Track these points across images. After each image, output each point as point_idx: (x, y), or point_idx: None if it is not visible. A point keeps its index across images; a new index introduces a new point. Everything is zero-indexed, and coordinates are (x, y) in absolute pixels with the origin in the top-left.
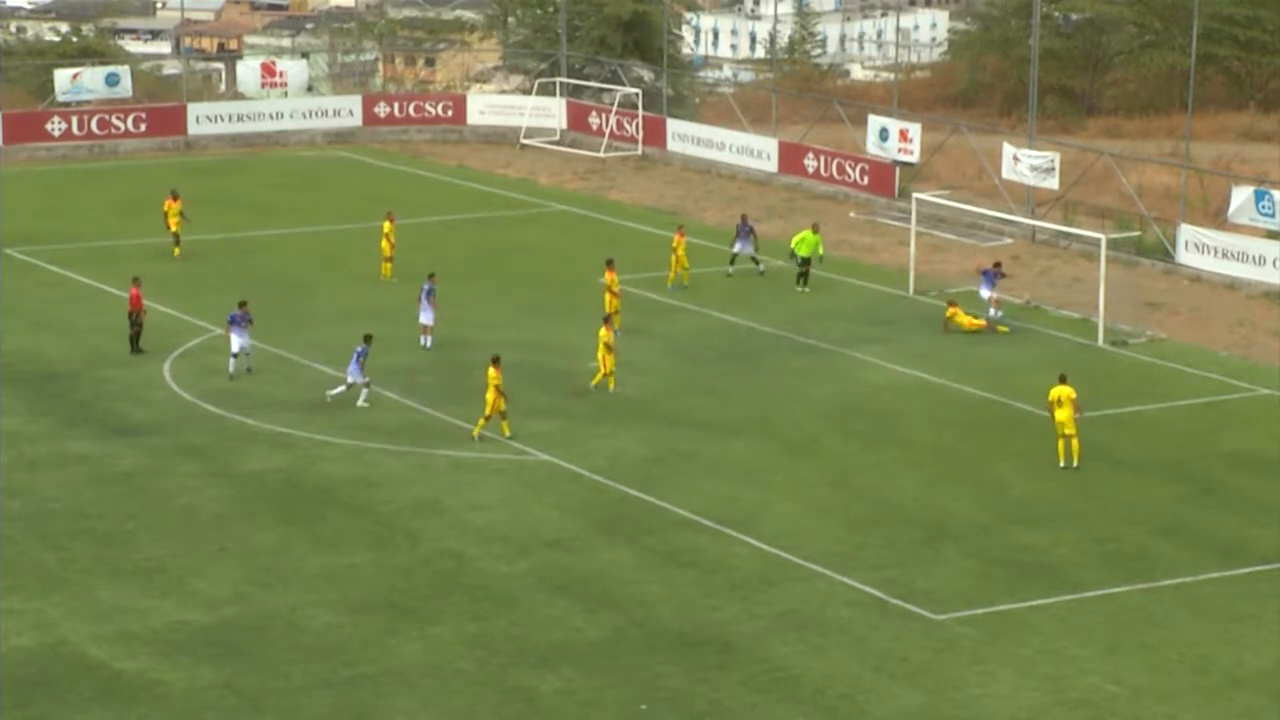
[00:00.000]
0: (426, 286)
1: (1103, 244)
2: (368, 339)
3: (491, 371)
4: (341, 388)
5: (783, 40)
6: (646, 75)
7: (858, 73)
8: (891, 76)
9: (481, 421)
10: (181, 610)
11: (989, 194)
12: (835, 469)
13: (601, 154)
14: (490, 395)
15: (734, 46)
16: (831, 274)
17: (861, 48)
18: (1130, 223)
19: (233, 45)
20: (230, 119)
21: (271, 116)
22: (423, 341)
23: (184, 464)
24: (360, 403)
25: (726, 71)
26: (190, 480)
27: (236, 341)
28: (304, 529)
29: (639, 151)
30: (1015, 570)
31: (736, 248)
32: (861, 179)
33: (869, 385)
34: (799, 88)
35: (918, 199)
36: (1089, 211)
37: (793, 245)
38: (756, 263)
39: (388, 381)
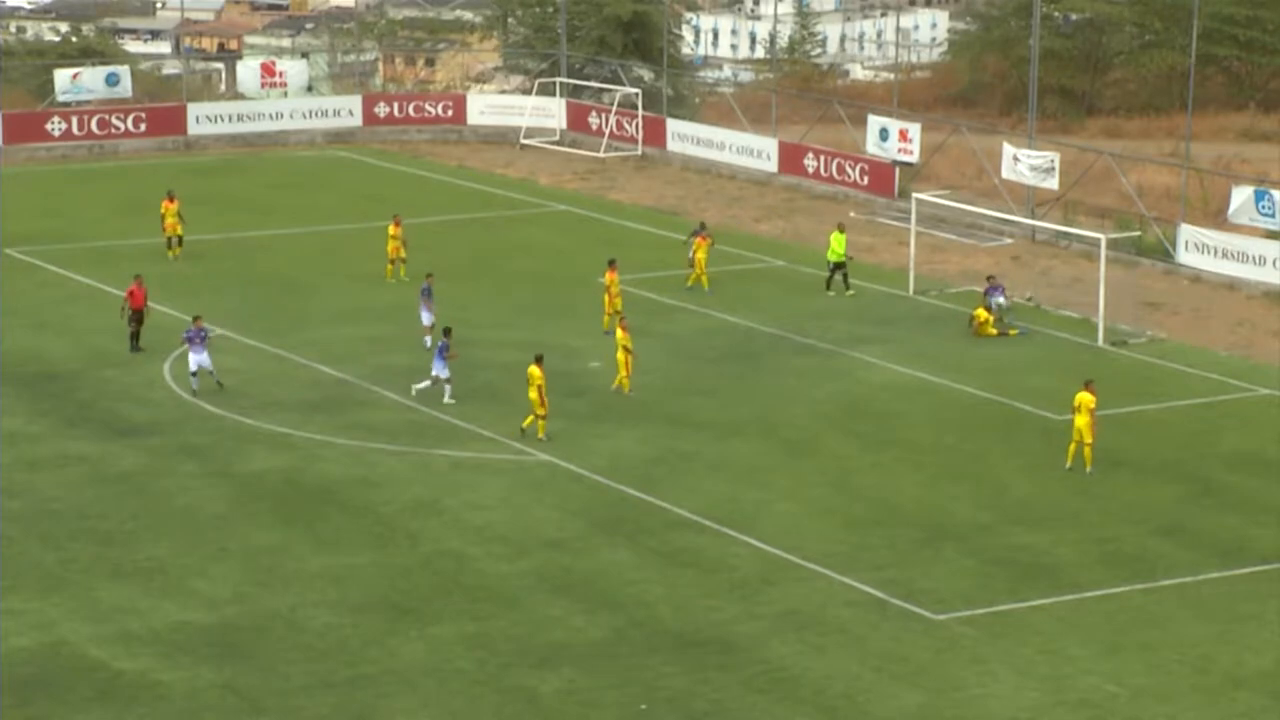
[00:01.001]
0: (425, 286)
1: (1103, 244)
2: (447, 332)
3: (535, 370)
4: (426, 382)
5: (783, 40)
6: (646, 75)
7: (858, 73)
8: (891, 76)
9: (541, 423)
10: (181, 610)
11: (989, 194)
12: (835, 469)
13: (601, 154)
14: (534, 394)
15: (734, 46)
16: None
17: (861, 48)
18: (1130, 223)
19: (233, 45)
20: (230, 119)
21: (271, 116)
22: (425, 341)
23: (184, 464)
24: (446, 399)
25: (726, 71)
26: (190, 480)
27: (194, 360)
28: (304, 529)
29: (639, 151)
30: (1015, 570)
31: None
32: (861, 179)
33: (869, 385)
34: (799, 88)
35: (918, 199)
36: (1089, 211)
37: (839, 255)
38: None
39: (388, 381)
